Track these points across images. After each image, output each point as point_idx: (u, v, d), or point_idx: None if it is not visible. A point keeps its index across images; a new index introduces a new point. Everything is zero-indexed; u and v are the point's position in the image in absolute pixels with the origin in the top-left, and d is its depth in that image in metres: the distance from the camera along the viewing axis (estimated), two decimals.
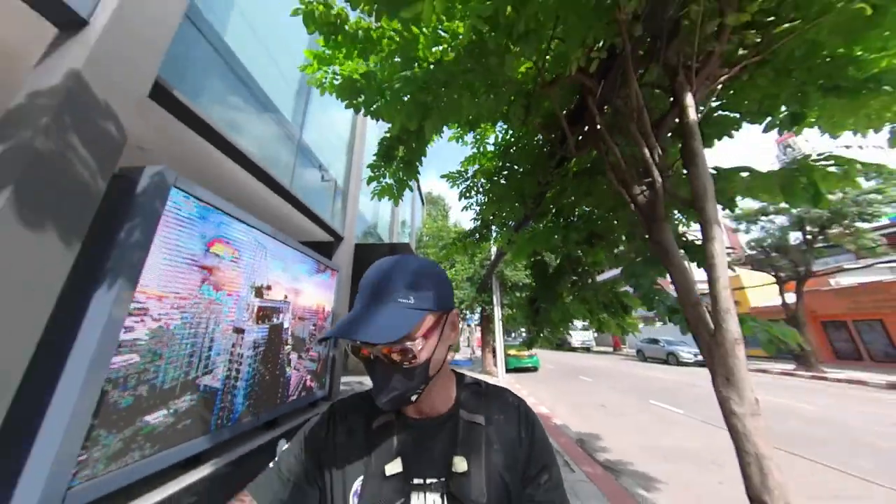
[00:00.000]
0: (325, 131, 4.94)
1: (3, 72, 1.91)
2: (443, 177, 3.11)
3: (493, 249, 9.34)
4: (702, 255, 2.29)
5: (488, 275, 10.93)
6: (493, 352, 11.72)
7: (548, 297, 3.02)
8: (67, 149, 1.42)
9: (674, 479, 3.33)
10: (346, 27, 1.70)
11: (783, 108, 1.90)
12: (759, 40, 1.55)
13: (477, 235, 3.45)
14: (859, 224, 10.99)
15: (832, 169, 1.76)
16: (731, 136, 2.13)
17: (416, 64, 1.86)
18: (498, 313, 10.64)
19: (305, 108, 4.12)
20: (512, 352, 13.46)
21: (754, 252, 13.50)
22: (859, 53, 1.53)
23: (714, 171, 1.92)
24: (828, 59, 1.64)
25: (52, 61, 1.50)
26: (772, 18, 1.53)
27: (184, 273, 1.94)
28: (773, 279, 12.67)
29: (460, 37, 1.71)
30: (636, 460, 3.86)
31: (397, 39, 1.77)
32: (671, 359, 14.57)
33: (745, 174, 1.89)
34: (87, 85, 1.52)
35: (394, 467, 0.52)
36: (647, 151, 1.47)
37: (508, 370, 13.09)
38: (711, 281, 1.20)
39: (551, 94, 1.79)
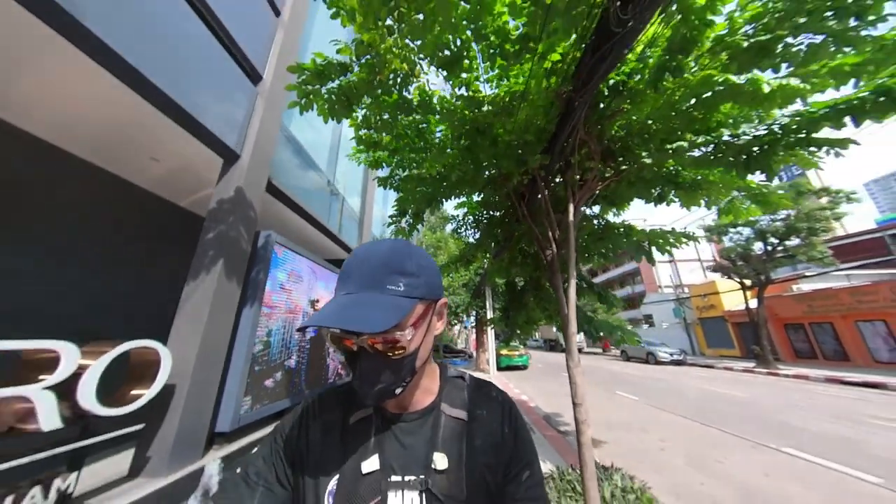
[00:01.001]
0: (349, 183, 6.20)
1: (195, 180, 3.12)
2: (440, 218, 4.36)
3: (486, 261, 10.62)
4: (593, 291, 3.70)
5: (482, 283, 12.17)
6: (487, 351, 12.92)
7: (515, 307, 4.24)
8: (238, 228, 2.63)
9: (610, 439, 4.54)
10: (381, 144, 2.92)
11: (654, 192, 3.13)
12: (617, 169, 2.79)
13: (465, 259, 4.69)
14: (814, 238, 12.35)
15: (670, 238, 3.02)
16: (628, 205, 3.39)
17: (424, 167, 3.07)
18: (490, 317, 11.87)
19: (336, 167, 5.38)
20: (504, 351, 14.68)
21: (724, 261, 14.85)
22: (682, 171, 2.75)
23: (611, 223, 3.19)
24: (663, 172, 2.89)
25: (225, 180, 2.72)
26: (621, 158, 2.78)
27: (278, 294, 3.16)
28: (738, 286, 14.00)
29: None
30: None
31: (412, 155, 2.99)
32: (650, 358, 15.83)
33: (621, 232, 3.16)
34: (243, 191, 2.73)
35: (371, 465, 0.50)
36: (549, 232, 2.70)
37: (500, 368, 14.30)
38: (567, 311, 2.41)
39: (507, 185, 3.02)
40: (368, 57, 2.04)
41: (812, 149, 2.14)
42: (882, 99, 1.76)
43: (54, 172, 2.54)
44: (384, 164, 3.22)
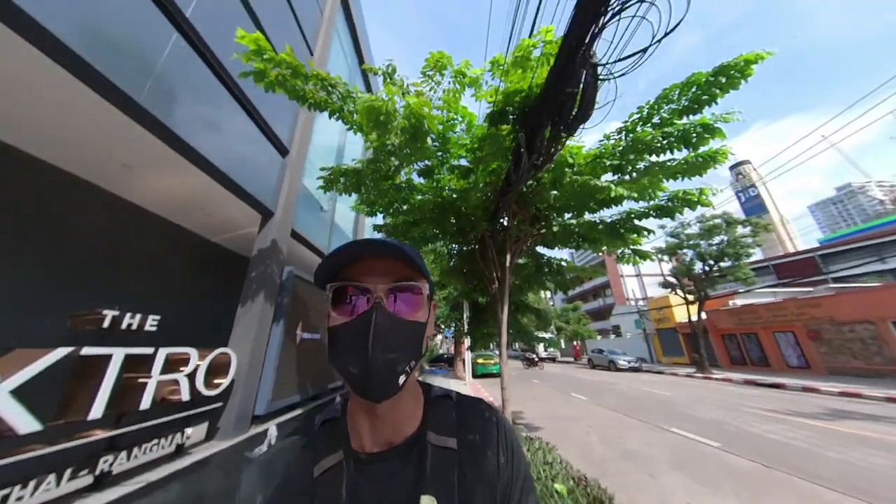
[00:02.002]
0: (342, 217, 7.28)
1: (242, 231, 4.11)
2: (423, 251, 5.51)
3: None
4: (530, 311, 5.20)
5: (459, 296, 13.38)
6: (464, 360, 14.03)
7: (476, 323, 5.47)
8: (272, 267, 3.67)
9: (549, 426, 5.75)
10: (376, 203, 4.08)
11: (572, 242, 4.45)
12: (541, 229, 4.11)
13: (441, 284, 5.92)
14: (740, 261, 14.57)
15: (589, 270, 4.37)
16: (562, 247, 4.72)
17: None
18: (466, 328, 13.05)
19: (335, 206, 6.48)
20: (480, 360, 15.83)
21: (671, 278, 16.93)
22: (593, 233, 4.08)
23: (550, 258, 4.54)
24: (574, 231, 4.23)
25: (264, 232, 3.77)
26: (543, 223, 4.10)
27: (299, 313, 4.18)
28: (683, 300, 16.04)
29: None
30: (536, 421, 6.27)
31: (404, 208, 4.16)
32: (612, 365, 17.51)
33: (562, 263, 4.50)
34: (276, 241, 3.79)
35: None
36: (494, 273, 3.94)
37: (476, 376, 15.40)
38: (501, 328, 3.64)
39: (466, 237, 4.26)
40: (370, 160, 3.23)
41: (641, 230, 3.57)
42: (670, 204, 3.20)
43: (155, 234, 3.51)
44: (377, 214, 4.39)
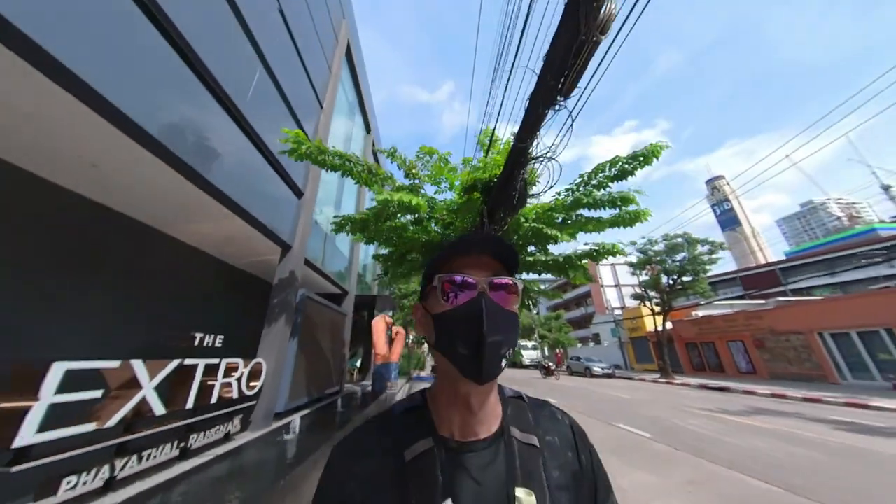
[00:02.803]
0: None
1: (266, 260, 4.95)
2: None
3: None
4: None
5: None
6: None
7: None
8: (290, 291, 4.54)
9: None
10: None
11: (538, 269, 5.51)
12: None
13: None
14: (700, 276, 16.19)
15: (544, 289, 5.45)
16: (528, 274, 5.78)
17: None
18: None
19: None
20: None
21: (639, 290, 18.46)
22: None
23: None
24: (537, 261, 5.30)
25: (284, 263, 4.64)
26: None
27: (308, 329, 5.04)
28: (649, 311, 17.54)
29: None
30: None
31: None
32: (587, 372, 18.73)
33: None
34: (293, 271, 4.67)
35: None
36: None
37: None
38: None
39: None
40: (375, 211, 4.20)
41: (579, 267, 4.67)
42: (594, 252, 4.32)
43: (200, 265, 4.31)
44: (373, 243, 5.33)
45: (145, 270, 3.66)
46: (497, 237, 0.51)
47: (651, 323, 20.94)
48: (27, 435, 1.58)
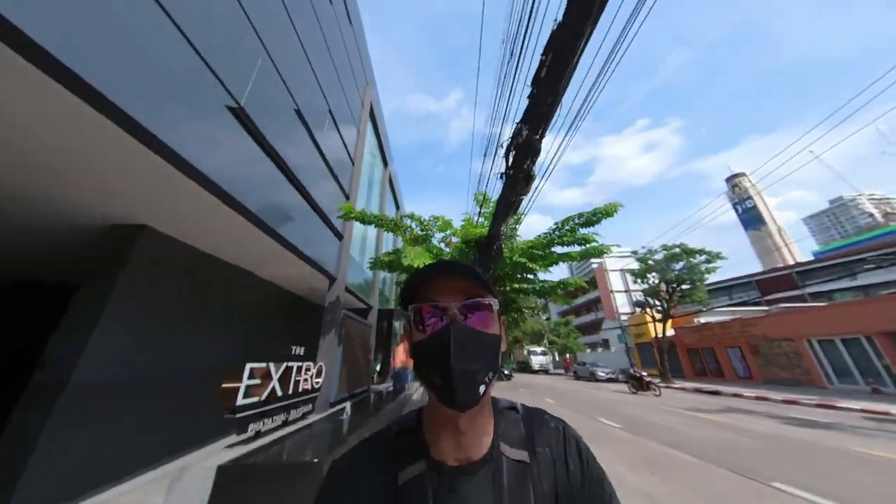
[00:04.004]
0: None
1: (317, 288, 6.61)
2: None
3: None
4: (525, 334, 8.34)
5: None
6: None
7: None
8: (336, 311, 6.14)
9: None
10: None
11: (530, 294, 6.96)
12: (504, 286, 6.61)
13: None
14: (697, 284, 16.97)
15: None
16: (517, 297, 7.21)
17: None
18: None
19: (362, 258, 9.03)
20: None
21: (640, 298, 19.31)
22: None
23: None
24: (528, 288, 6.75)
25: (331, 290, 6.26)
26: (507, 280, 6.62)
27: (347, 340, 6.63)
28: (650, 319, 18.38)
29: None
30: None
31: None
32: (592, 376, 19.63)
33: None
34: (339, 296, 6.30)
35: None
36: None
37: None
38: None
39: None
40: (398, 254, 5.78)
41: (553, 291, 6.13)
42: (561, 284, 5.80)
43: (279, 295, 5.98)
44: (393, 273, 6.88)
45: (256, 301, 5.32)
46: (461, 263, 0.52)
47: (655, 329, 21.64)
48: (238, 400, 3.15)
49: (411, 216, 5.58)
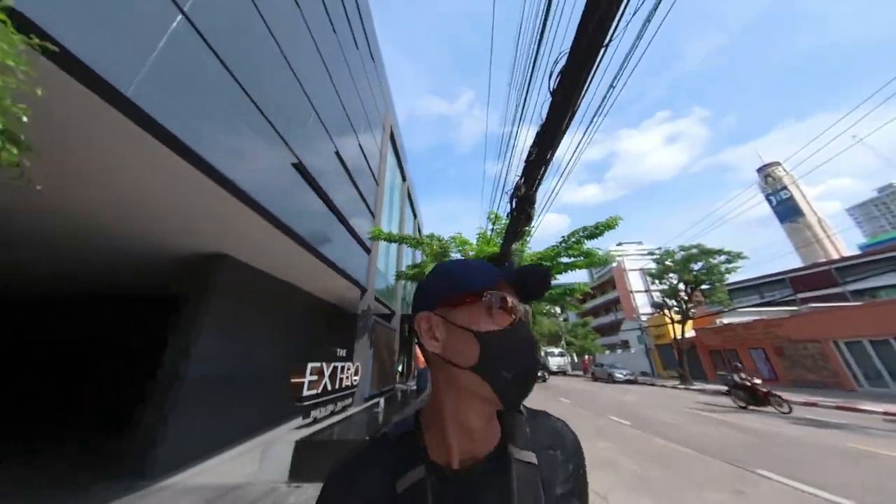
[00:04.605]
0: (390, 274, 10.75)
1: (351, 298, 7.60)
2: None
3: None
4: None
5: None
6: None
7: None
8: (367, 318, 7.05)
9: None
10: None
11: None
12: None
13: None
14: (717, 285, 16.74)
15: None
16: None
17: None
18: None
19: (386, 268, 9.96)
20: None
21: (658, 299, 19.19)
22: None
23: None
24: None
25: (363, 300, 7.19)
26: None
27: (377, 343, 7.53)
28: (669, 320, 18.25)
29: None
30: None
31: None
32: (609, 378, 19.70)
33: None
34: (370, 305, 7.21)
35: None
36: None
37: None
38: None
39: None
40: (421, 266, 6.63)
41: (564, 299, 6.80)
42: (568, 290, 6.47)
43: (323, 306, 6.98)
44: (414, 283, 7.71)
45: (303, 311, 6.32)
46: (544, 277, 0.49)
47: (676, 331, 21.34)
48: (304, 392, 4.05)
49: (431, 236, 6.41)
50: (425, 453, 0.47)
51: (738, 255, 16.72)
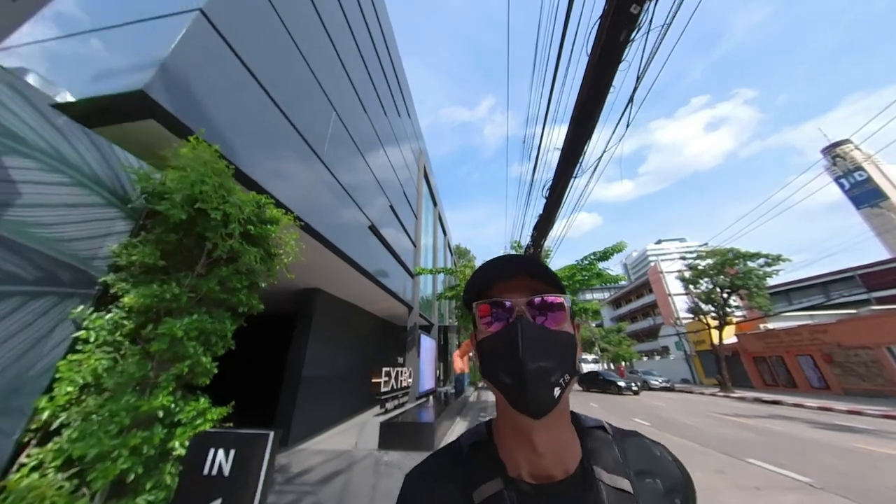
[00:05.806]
0: (428, 291, 12.38)
1: (400, 314, 9.33)
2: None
3: None
4: None
5: None
6: None
7: None
8: (414, 331, 8.64)
9: None
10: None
11: None
12: None
13: None
14: (755, 290, 16.26)
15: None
16: None
17: None
18: None
19: (424, 286, 11.59)
20: None
21: (693, 304, 18.87)
22: None
23: None
24: None
25: (410, 316, 8.83)
26: None
27: (425, 353, 9.11)
28: (706, 325, 17.90)
29: None
30: None
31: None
32: (644, 385, 19.56)
33: None
34: (416, 322, 8.79)
35: None
36: None
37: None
38: None
39: None
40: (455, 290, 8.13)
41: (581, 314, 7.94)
42: (578, 308, 7.66)
43: (380, 322, 8.74)
44: (453, 300, 9.19)
45: (367, 327, 8.08)
46: (527, 258, 0.47)
47: (717, 337, 20.59)
48: (382, 389, 5.66)
49: (461, 256, 7.86)
50: (501, 465, 0.45)
51: (778, 258, 16.17)
